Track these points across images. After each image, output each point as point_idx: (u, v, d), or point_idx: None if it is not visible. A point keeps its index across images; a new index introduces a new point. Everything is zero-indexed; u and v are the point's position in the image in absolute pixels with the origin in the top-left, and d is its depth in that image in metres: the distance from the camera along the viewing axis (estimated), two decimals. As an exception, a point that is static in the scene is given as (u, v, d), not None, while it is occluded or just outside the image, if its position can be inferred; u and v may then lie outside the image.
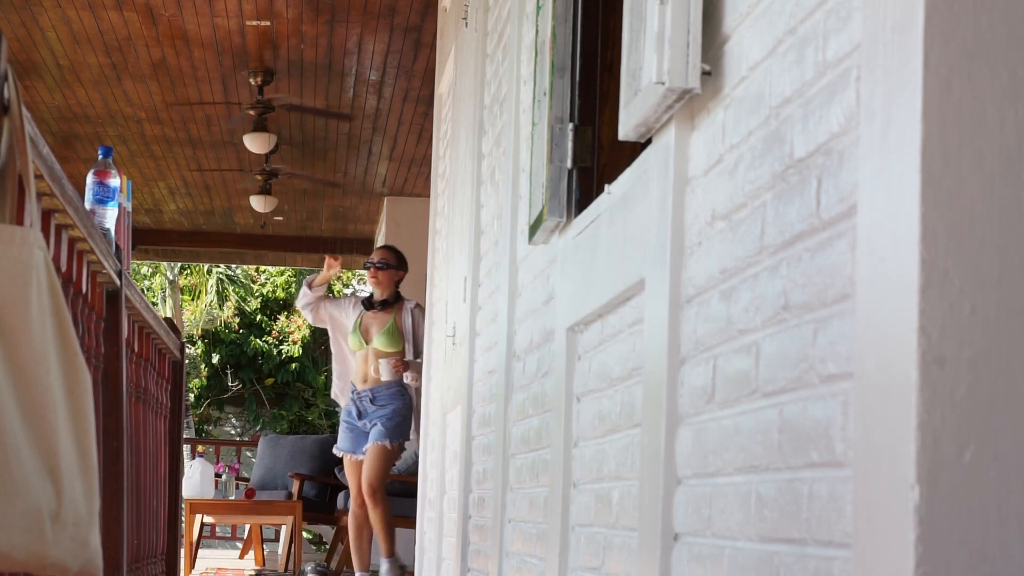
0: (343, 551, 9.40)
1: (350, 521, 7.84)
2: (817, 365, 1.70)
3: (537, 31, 3.61)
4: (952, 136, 1.43)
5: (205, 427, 23.50)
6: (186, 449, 15.67)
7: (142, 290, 7.24)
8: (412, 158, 11.16)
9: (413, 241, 10.73)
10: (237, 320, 23.68)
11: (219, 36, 8.49)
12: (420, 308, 7.68)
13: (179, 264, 23.11)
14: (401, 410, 7.59)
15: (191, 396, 23.21)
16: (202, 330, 23.44)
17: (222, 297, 23.66)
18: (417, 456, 7.92)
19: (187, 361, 15.73)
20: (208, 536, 12.75)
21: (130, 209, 4.25)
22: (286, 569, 9.85)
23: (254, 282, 24.10)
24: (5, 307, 2.04)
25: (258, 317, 23.76)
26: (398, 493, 9.09)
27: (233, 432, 23.83)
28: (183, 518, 9.12)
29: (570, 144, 3.22)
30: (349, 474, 7.77)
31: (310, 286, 7.87)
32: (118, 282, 3.80)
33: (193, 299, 23.68)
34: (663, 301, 2.33)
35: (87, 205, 3.80)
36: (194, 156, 11.35)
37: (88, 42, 8.66)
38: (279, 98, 9.60)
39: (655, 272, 2.39)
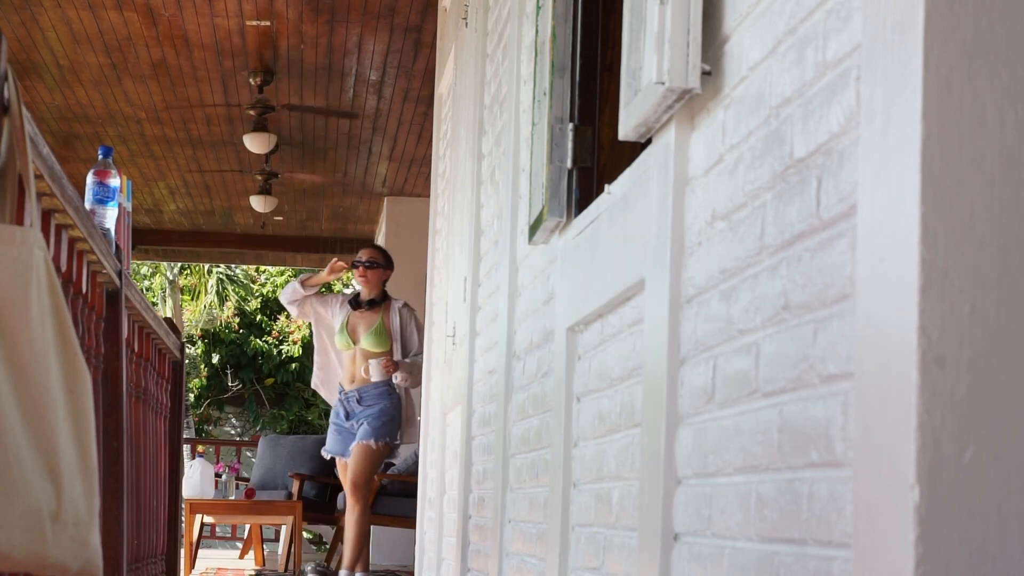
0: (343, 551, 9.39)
1: (349, 522, 7.82)
2: (817, 365, 1.70)
3: (537, 31, 3.61)
4: (952, 136, 1.42)
5: (205, 427, 23.52)
6: (186, 449, 15.67)
7: (142, 290, 7.23)
8: (412, 158, 11.16)
9: (413, 241, 10.74)
10: (237, 320, 23.71)
11: (219, 36, 8.48)
12: (408, 307, 7.65)
13: (179, 264, 23.13)
14: (388, 410, 7.52)
15: (191, 396, 23.22)
16: (202, 330, 23.46)
17: (222, 297, 23.68)
18: (417, 456, 7.91)
19: (187, 361, 15.73)
20: (208, 536, 12.75)
21: (130, 209, 4.24)
22: (286, 569, 9.84)
23: (254, 282, 24.12)
24: (5, 307, 2.04)
25: (258, 317, 23.78)
26: (398, 493, 9.10)
27: (233, 432, 23.84)
28: (183, 518, 9.11)
29: (570, 144, 3.22)
30: (341, 476, 7.74)
31: (303, 284, 7.77)
32: (118, 282, 3.80)
33: (193, 299, 23.70)
34: (663, 301, 2.33)
35: (87, 205, 3.80)
36: (194, 156, 11.34)
37: (88, 42, 8.66)
38: (294, 105, 9.59)
39: (655, 272, 2.39)
